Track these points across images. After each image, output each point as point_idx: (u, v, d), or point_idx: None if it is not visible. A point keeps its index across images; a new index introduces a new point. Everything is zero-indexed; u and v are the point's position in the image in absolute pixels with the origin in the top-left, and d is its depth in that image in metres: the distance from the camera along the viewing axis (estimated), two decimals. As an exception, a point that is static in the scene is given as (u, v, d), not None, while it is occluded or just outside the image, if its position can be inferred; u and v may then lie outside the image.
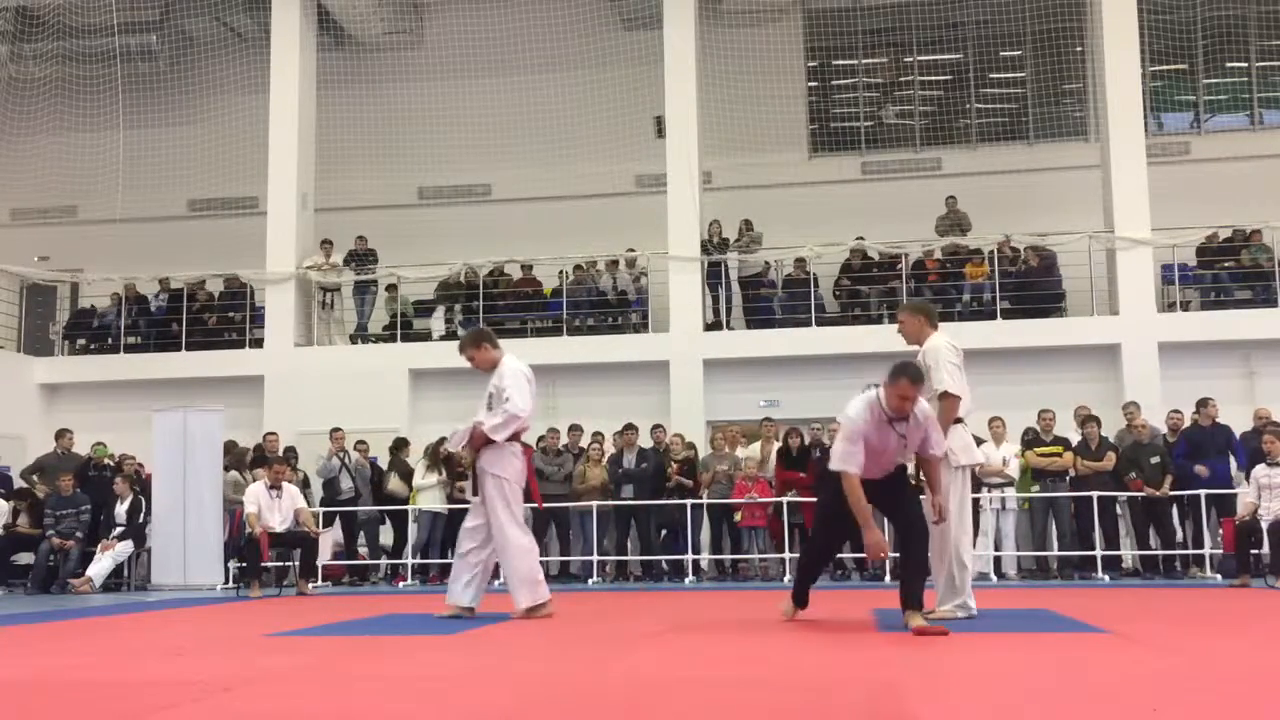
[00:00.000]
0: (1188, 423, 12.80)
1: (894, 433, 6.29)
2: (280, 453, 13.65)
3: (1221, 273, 15.58)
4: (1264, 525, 10.66)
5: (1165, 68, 17.29)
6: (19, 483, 14.34)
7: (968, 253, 16.03)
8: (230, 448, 13.93)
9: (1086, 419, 12.80)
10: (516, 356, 7.49)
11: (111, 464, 14.12)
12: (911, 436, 6.34)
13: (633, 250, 16.55)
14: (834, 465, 6.37)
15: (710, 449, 13.73)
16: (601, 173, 17.66)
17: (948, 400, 6.68)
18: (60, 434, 14.56)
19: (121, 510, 13.06)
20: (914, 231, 16.19)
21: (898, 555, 6.63)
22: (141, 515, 13.06)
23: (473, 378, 7.74)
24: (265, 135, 16.90)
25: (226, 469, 13.41)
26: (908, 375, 6.16)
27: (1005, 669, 4.76)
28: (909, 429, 6.31)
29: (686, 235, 15.81)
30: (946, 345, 6.81)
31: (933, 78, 18.91)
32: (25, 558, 13.32)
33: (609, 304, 16.50)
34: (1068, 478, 12.64)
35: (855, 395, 6.57)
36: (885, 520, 7.04)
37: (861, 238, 16.04)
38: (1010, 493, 12.70)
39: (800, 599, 7.03)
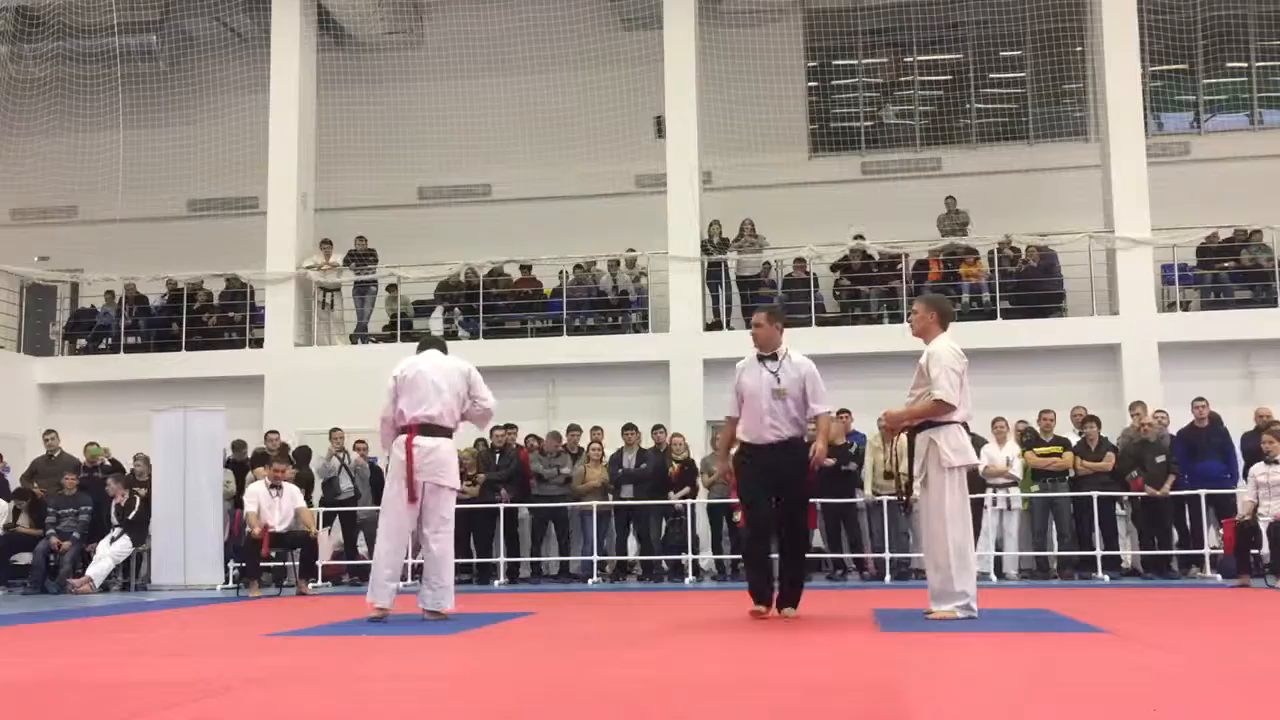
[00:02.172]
0: (1184, 423, 12.83)
1: (765, 369, 7.17)
2: (288, 452, 13.65)
3: (1221, 273, 15.57)
4: (1263, 525, 10.66)
5: (1165, 68, 17.28)
6: (15, 483, 14.33)
7: (965, 252, 16.03)
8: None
9: (1085, 419, 12.81)
10: (416, 357, 7.49)
11: (107, 464, 14.13)
12: (787, 378, 7.09)
13: (633, 250, 16.55)
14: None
15: (711, 449, 13.73)
16: (601, 173, 17.66)
17: (938, 405, 6.63)
18: (45, 435, 14.57)
19: (116, 508, 13.06)
20: (914, 231, 16.19)
21: (778, 556, 7.27)
22: (133, 512, 13.02)
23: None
24: (265, 135, 16.90)
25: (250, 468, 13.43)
26: (762, 312, 7.38)
27: (1005, 669, 4.75)
28: (781, 368, 7.14)
29: (686, 235, 15.80)
30: (950, 351, 6.73)
31: (933, 78, 18.90)
32: (25, 558, 13.32)
33: (609, 304, 16.50)
34: (1067, 478, 12.65)
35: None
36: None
37: (860, 235, 16.04)
38: (1010, 493, 12.69)
39: (763, 596, 7.10)
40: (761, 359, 7.24)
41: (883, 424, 7.05)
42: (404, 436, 7.23)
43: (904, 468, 6.99)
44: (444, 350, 7.64)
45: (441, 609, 7.24)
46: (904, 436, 6.96)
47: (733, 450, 7.41)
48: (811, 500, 12.57)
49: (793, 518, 7.14)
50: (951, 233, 16.11)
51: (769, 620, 6.89)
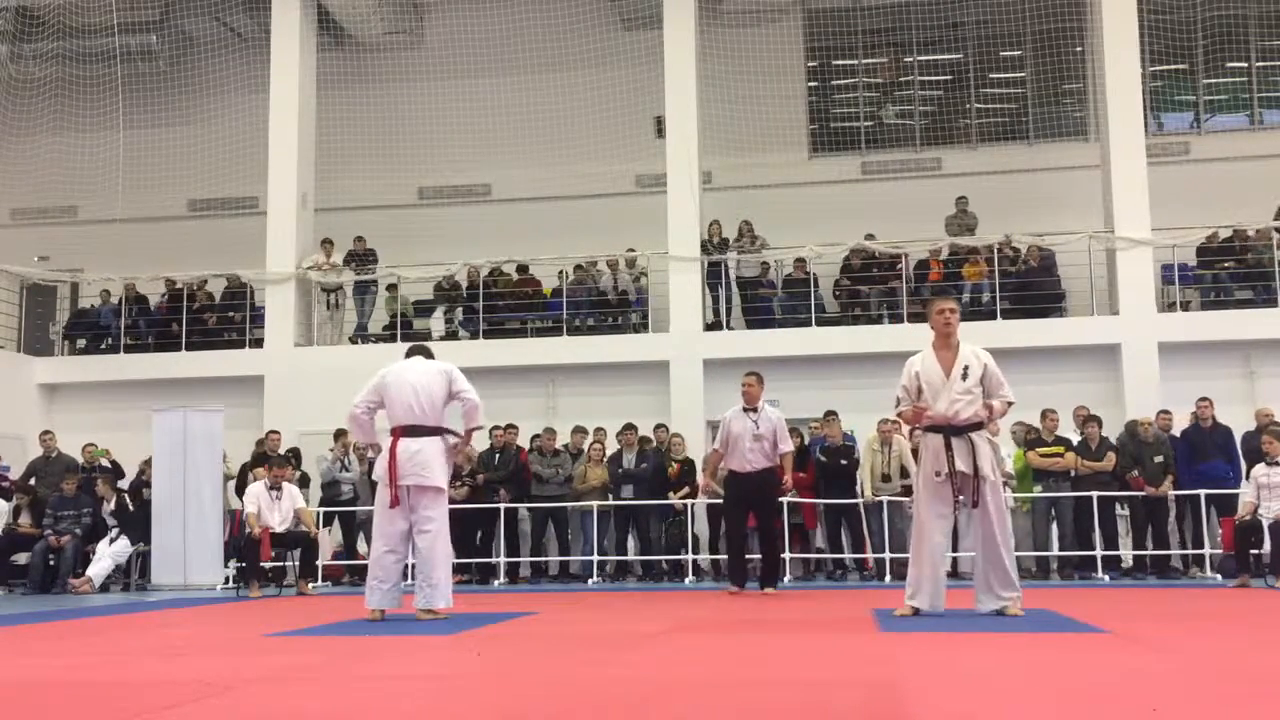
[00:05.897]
0: (1186, 423, 12.81)
1: (748, 419, 9.67)
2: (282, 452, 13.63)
3: (1221, 273, 15.57)
4: (1264, 525, 10.66)
5: (1165, 68, 17.27)
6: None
7: (966, 253, 16.02)
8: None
9: (1087, 419, 12.79)
10: (402, 362, 7.68)
11: (105, 465, 14.12)
12: (764, 427, 9.63)
13: (633, 250, 16.54)
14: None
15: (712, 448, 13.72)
16: (601, 173, 17.65)
17: (1008, 408, 7.13)
18: (42, 435, 14.56)
19: (109, 510, 13.06)
20: (914, 231, 16.18)
21: (759, 553, 9.98)
22: (125, 510, 13.00)
23: (473, 378, 7.74)
24: (265, 135, 16.89)
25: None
26: (753, 374, 9.84)
27: (1005, 669, 4.75)
28: (759, 419, 9.66)
29: (686, 235, 15.80)
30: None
31: (933, 78, 18.90)
32: (25, 558, 13.32)
33: (609, 304, 16.49)
34: (1070, 478, 12.63)
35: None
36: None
37: (872, 235, 16.02)
38: (1005, 492, 12.67)
39: (739, 581, 9.86)
40: (745, 411, 9.73)
41: (994, 428, 7.57)
42: (390, 441, 7.36)
43: (948, 466, 7.01)
44: (429, 355, 7.79)
45: (434, 607, 7.24)
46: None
47: (721, 475, 10.44)
48: (812, 501, 12.78)
49: (766, 521, 9.92)
50: (959, 234, 16.08)
51: (765, 619, 6.90)
